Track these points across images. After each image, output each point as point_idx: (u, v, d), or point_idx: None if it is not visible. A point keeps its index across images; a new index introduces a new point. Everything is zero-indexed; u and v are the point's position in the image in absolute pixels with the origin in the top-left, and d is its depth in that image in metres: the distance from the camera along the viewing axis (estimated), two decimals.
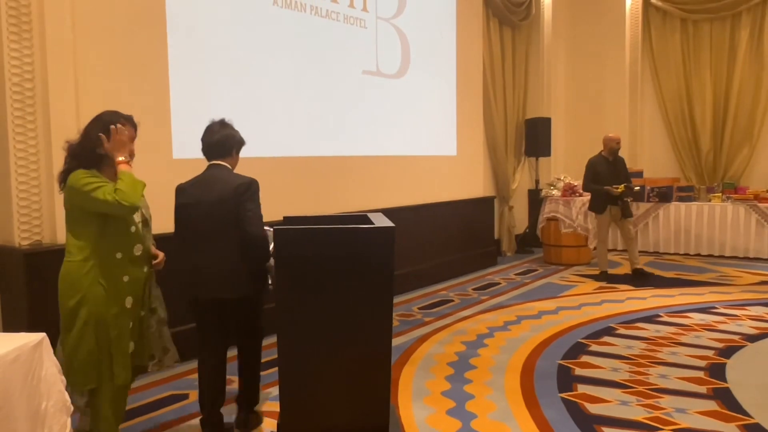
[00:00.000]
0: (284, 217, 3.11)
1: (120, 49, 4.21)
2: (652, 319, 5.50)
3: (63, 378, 2.49)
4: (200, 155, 4.66)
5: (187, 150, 4.55)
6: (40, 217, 3.94)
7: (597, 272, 7.43)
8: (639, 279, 7.23)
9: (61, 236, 3.96)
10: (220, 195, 3.13)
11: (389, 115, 6.60)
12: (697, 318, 5.50)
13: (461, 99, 7.83)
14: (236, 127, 3.30)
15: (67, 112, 3.95)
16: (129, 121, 2.80)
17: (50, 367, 2.42)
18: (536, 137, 9.25)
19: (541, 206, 8.68)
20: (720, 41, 9.61)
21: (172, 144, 4.50)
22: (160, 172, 4.39)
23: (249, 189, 3.11)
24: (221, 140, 3.31)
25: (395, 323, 5.45)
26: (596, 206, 7.34)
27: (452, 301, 6.36)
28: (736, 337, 4.90)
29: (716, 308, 5.83)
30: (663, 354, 4.52)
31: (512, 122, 9.25)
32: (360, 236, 2.66)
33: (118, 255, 2.75)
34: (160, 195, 4.40)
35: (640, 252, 9.06)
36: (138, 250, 2.83)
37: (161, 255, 3.01)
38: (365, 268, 2.64)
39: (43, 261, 3.83)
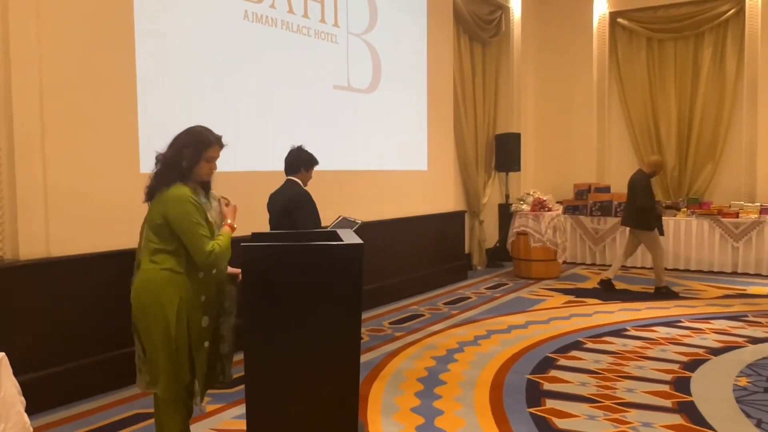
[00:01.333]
0: (252, 234, 3.08)
1: (87, 61, 4.15)
2: (619, 332, 5.57)
3: (22, 399, 2.43)
4: None
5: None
6: (3, 232, 3.85)
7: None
8: (607, 290, 7.34)
9: (25, 251, 3.88)
10: (282, 205, 4.28)
11: (360, 130, 6.61)
12: (662, 331, 5.59)
13: (432, 114, 7.89)
14: None
15: (32, 125, 3.88)
16: (218, 141, 2.84)
17: (9, 388, 2.36)
18: (506, 152, 9.35)
19: (511, 220, 8.76)
20: (684, 60, 9.85)
21: (139, 158, 4.44)
22: (126, 186, 4.34)
23: (297, 200, 4.24)
24: (293, 160, 4.43)
25: (366, 338, 5.43)
26: (648, 224, 7.08)
27: (423, 315, 6.36)
28: (700, 351, 4.98)
29: (681, 322, 5.93)
30: (630, 368, 4.58)
31: (482, 137, 9.35)
32: (328, 253, 2.64)
33: (201, 274, 2.78)
34: (126, 210, 4.35)
35: (607, 265, 9.22)
36: (214, 270, 2.84)
37: (238, 271, 2.96)
38: (333, 285, 2.62)
39: (4, 277, 3.74)
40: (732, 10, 9.38)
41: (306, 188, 4.43)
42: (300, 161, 4.42)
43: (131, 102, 4.41)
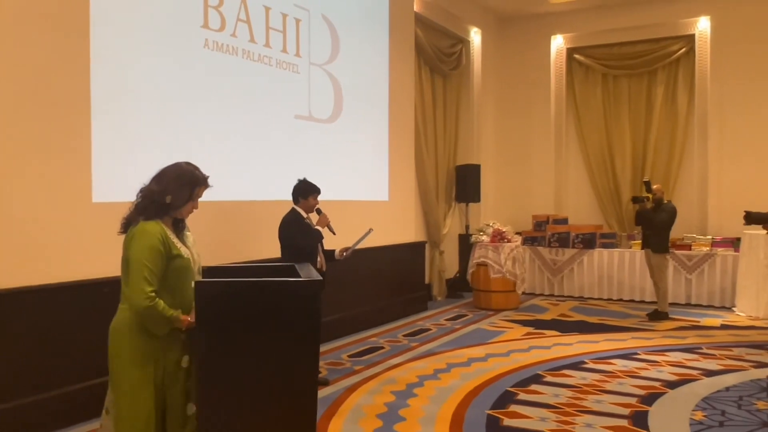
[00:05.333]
0: (207, 268, 2.97)
1: (39, 86, 4.01)
2: (578, 365, 5.58)
3: None
4: (123, 198, 4.46)
5: (108, 193, 4.37)
6: None
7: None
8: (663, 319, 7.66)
9: None
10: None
11: (321, 160, 6.57)
12: (620, 364, 5.62)
13: (393, 145, 7.90)
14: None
15: None
16: (206, 181, 2.78)
17: None
18: (466, 183, 9.43)
19: (471, 251, 8.78)
20: (638, 96, 10.14)
21: (92, 187, 4.30)
22: (77, 216, 4.21)
23: (280, 228, 4.96)
24: (292, 192, 5.06)
25: (324, 372, 5.32)
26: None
27: (382, 348, 6.28)
28: (657, 384, 5.02)
29: (638, 354, 5.99)
30: (588, 402, 4.58)
31: (443, 168, 9.41)
32: (284, 290, 2.57)
33: (179, 310, 2.61)
34: (78, 240, 4.21)
35: (566, 297, 9.32)
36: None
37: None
38: (290, 322, 2.55)
39: None
40: (683, 50, 9.73)
41: (301, 214, 5.02)
42: (294, 192, 5.06)
43: (85, 129, 4.28)
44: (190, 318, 2.60)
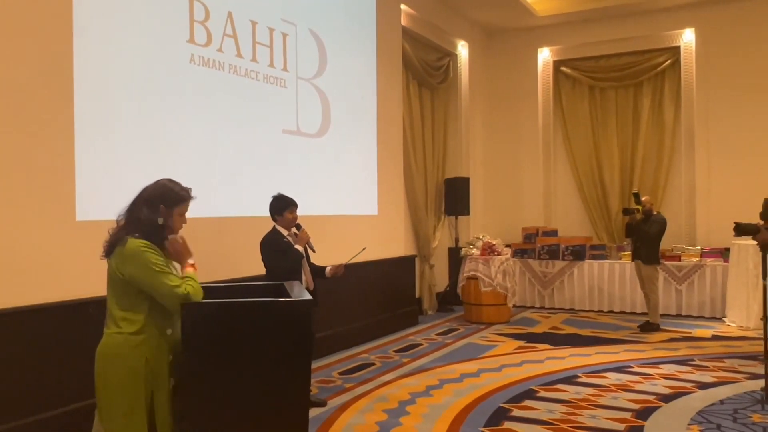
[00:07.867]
0: None
1: (20, 104, 3.94)
2: (571, 380, 5.53)
3: None
4: (107, 217, 4.38)
5: (92, 211, 4.28)
6: None
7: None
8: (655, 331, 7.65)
9: None
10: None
11: (310, 175, 6.52)
12: (613, 378, 5.57)
13: (382, 158, 7.86)
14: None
15: None
16: (189, 196, 2.72)
17: None
18: (455, 196, 9.40)
19: (461, 265, 8.73)
20: (625, 108, 10.19)
21: (75, 205, 4.22)
22: (60, 235, 4.11)
23: (261, 247, 4.75)
24: (269, 208, 4.81)
25: (315, 390, 5.23)
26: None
27: (373, 364, 6.20)
28: (651, 398, 4.97)
29: (631, 367, 5.94)
30: (583, 418, 4.52)
31: (432, 182, 9.38)
32: (276, 310, 2.51)
33: (169, 331, 2.57)
34: (61, 260, 4.11)
35: (556, 309, 9.28)
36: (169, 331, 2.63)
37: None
38: (281, 344, 2.48)
39: None
40: (668, 61, 9.80)
41: (281, 233, 4.77)
42: (270, 210, 4.81)
43: (68, 144, 4.19)
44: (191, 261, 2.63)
